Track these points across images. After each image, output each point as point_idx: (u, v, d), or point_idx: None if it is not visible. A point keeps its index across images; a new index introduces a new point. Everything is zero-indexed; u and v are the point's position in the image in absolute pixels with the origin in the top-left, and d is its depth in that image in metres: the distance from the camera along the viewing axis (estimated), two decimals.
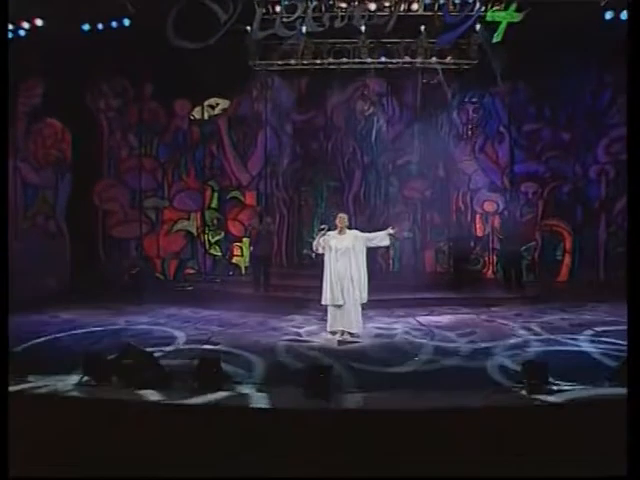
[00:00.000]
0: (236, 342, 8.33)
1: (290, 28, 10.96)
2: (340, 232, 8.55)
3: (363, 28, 11.46)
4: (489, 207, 13.52)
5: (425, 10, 11.43)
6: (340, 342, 8.36)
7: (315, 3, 10.82)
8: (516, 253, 12.28)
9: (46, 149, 12.96)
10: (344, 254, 8.41)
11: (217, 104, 13.85)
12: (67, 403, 5.98)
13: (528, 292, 11.90)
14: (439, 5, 11.27)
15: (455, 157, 13.58)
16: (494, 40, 10.89)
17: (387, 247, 10.43)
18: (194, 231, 14.02)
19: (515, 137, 13.44)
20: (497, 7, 10.89)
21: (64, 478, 5.11)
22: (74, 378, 6.36)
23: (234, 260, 13.95)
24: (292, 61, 12.50)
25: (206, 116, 13.87)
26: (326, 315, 8.69)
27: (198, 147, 13.94)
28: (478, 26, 11.31)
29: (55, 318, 10.18)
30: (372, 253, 9.53)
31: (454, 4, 11.16)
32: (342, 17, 11.02)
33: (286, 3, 10.88)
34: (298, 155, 13.74)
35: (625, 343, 6.09)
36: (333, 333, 8.53)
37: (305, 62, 12.49)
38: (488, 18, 10.89)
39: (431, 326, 9.39)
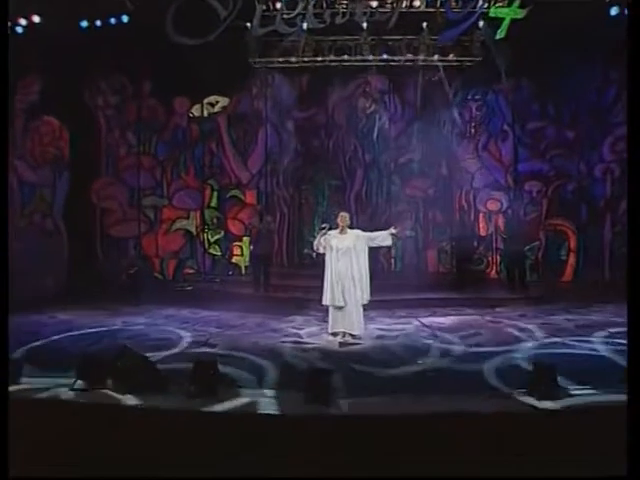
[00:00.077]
0: (235, 344, 8.20)
1: (291, 25, 10.85)
2: (341, 231, 8.44)
3: (365, 25, 11.39)
4: (492, 206, 13.39)
5: (427, 7, 11.37)
6: (341, 344, 8.25)
7: None
8: (520, 253, 12.13)
9: (43, 147, 12.82)
10: (345, 254, 8.30)
11: (217, 102, 13.77)
12: (65, 405, 5.90)
13: (532, 292, 11.77)
14: (441, 1, 11.18)
15: (458, 155, 13.45)
16: (497, 37, 10.70)
17: (389, 247, 10.28)
18: (193, 230, 13.92)
19: (519, 135, 13.32)
20: (500, 3, 10.79)
21: (64, 478, 5.03)
22: (70, 381, 6.24)
23: (234, 260, 13.84)
24: (293, 58, 12.43)
25: (205, 114, 13.77)
26: (327, 316, 8.59)
27: (197, 145, 13.84)
28: (481, 23, 11.22)
29: (52, 319, 10.08)
30: (374, 253, 9.44)
31: (456, 0, 11.08)
32: (343, 14, 10.91)
33: None
34: (299, 153, 13.61)
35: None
36: (334, 335, 8.42)
37: (306, 59, 12.43)
38: (491, 14, 10.74)
39: (434, 327, 9.26)
